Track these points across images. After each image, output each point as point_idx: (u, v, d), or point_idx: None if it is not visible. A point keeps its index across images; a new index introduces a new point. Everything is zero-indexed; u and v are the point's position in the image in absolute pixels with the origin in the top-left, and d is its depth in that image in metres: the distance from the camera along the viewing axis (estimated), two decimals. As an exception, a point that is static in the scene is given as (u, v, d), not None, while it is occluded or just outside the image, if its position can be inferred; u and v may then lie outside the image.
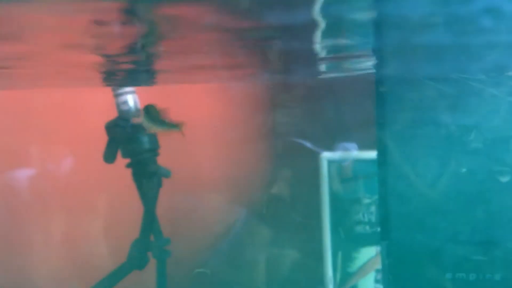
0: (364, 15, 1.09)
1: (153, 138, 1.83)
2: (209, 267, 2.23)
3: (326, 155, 2.11)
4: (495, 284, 1.48)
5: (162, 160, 1.96)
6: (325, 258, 2.10)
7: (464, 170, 1.40)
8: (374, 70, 1.69)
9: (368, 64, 1.71)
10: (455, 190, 1.42)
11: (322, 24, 1.01)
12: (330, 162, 2.11)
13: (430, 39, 1.37)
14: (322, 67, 1.78)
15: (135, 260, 1.76)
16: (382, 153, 1.55)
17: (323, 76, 1.98)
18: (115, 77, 1.72)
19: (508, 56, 1.35)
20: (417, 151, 1.47)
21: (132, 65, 1.54)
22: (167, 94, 2.20)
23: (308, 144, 2.12)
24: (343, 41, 1.40)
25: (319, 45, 1.38)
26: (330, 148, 2.13)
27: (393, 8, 1.01)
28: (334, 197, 2.11)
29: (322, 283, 2.10)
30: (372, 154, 1.66)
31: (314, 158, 2.12)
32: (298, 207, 2.19)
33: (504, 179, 1.37)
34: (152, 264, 1.92)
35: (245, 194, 2.28)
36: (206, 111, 2.23)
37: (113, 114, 1.82)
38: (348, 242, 2.10)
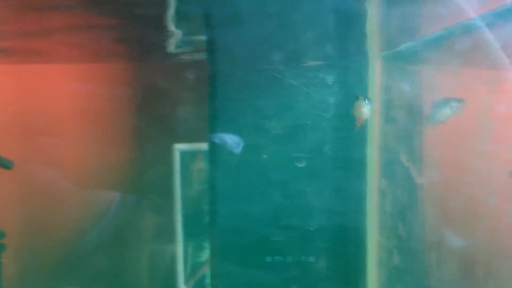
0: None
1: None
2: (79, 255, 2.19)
3: (179, 146, 2.13)
4: (309, 266, 1.56)
5: (13, 150, 1.91)
6: (176, 248, 2.12)
7: (265, 156, 1.46)
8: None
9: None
10: (260, 177, 1.48)
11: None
12: (183, 153, 2.14)
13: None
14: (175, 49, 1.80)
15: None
16: (211, 143, 1.60)
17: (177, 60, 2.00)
18: None
19: (304, 46, 1.43)
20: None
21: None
22: (24, 76, 2.13)
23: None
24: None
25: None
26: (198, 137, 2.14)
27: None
28: (186, 187, 2.13)
29: (173, 272, 2.13)
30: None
31: (168, 148, 2.13)
32: (152, 197, 2.19)
33: (301, 164, 1.45)
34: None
35: (108, 183, 2.25)
36: (67, 96, 2.17)
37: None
38: (198, 233, 2.13)
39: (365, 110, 1.29)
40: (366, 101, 1.28)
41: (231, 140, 2.19)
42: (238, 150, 2.02)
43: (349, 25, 1.33)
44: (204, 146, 2.14)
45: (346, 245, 1.47)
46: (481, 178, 0.93)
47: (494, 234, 0.89)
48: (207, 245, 2.15)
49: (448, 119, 1.10)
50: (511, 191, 0.85)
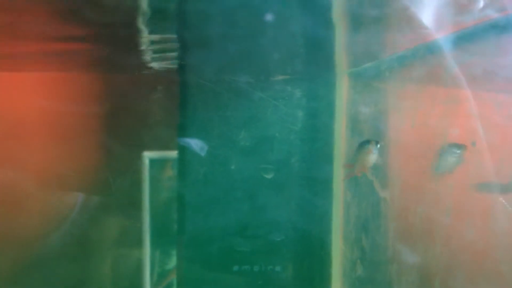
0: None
1: None
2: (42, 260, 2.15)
3: (148, 153, 2.12)
4: (275, 275, 1.58)
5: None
6: (143, 255, 2.10)
7: (233, 167, 1.48)
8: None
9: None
10: (228, 187, 1.50)
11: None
12: (152, 160, 2.13)
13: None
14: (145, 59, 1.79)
15: None
16: (180, 152, 1.60)
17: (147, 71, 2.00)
18: None
19: (274, 62, 1.46)
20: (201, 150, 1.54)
21: None
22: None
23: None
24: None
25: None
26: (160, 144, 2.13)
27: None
28: (155, 195, 2.12)
29: (140, 279, 2.11)
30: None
31: (137, 155, 2.12)
32: (121, 204, 2.17)
33: (268, 176, 1.47)
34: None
35: (75, 188, 2.22)
36: (35, 103, 2.13)
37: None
38: (166, 240, 2.12)
39: (374, 156, 1.12)
40: (378, 146, 1.11)
41: (196, 144, 2.20)
42: (202, 153, 2.03)
43: (318, 44, 1.37)
44: (173, 154, 2.14)
45: (312, 255, 1.50)
46: (437, 198, 0.97)
47: (448, 249, 0.93)
48: (174, 252, 2.15)
49: (455, 168, 0.94)
50: (463, 212, 0.90)
